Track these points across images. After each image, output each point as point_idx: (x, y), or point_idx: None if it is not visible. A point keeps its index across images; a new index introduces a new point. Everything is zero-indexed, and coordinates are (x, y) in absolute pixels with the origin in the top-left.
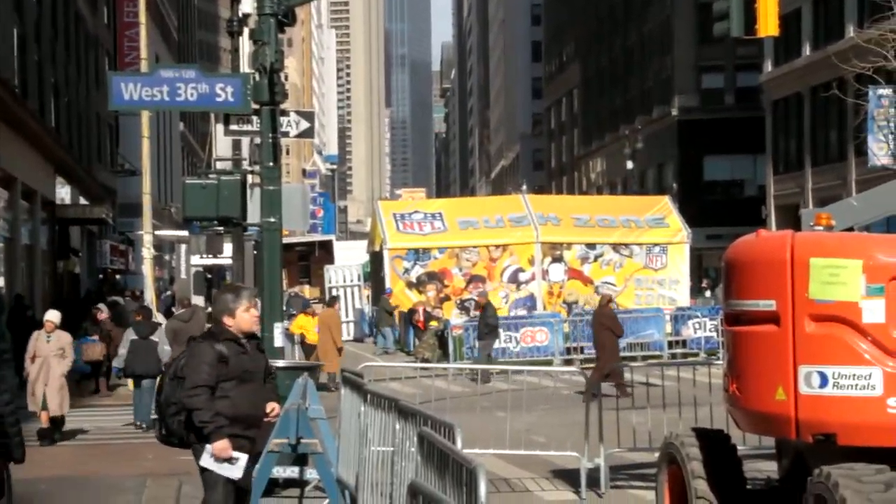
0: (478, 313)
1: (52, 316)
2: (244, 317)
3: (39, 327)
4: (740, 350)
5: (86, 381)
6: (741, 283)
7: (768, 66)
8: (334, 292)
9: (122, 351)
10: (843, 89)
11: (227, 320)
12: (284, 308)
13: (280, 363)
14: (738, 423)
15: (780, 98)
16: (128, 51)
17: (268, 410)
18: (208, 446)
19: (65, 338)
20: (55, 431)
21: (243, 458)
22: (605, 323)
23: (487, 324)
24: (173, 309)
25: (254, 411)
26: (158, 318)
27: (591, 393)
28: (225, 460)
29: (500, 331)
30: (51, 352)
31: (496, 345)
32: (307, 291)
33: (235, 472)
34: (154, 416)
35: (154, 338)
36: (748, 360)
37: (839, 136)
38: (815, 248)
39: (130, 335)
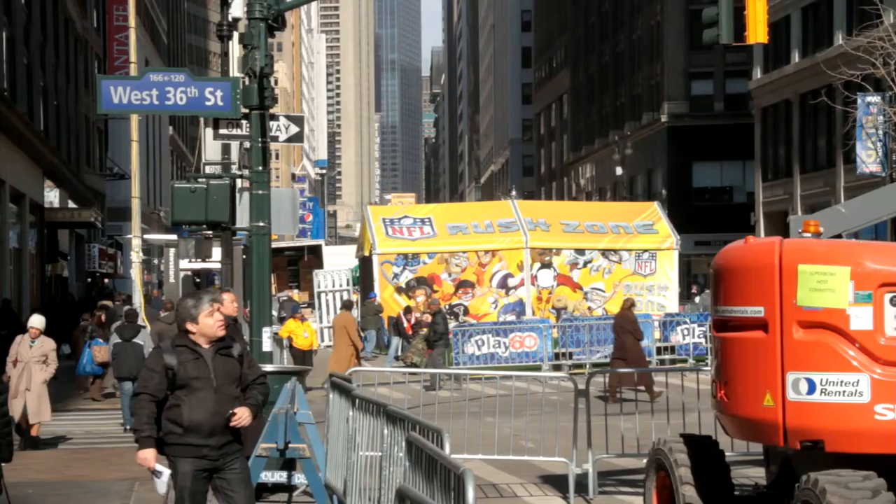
0: (465, 320)
1: (37, 322)
2: (207, 322)
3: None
4: (728, 356)
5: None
6: (730, 289)
7: (757, 73)
8: (324, 296)
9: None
10: (831, 96)
11: (190, 327)
12: (276, 313)
13: (268, 367)
14: (726, 429)
15: (768, 105)
16: (117, 54)
17: (235, 418)
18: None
19: (48, 344)
20: (31, 441)
21: (166, 473)
22: (626, 327)
23: (436, 331)
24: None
25: (213, 419)
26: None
27: (615, 395)
28: (152, 473)
29: (490, 336)
30: (32, 357)
31: (480, 349)
32: (296, 296)
33: (159, 486)
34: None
35: (138, 340)
36: (736, 366)
37: (828, 144)
38: (804, 254)
39: (114, 339)
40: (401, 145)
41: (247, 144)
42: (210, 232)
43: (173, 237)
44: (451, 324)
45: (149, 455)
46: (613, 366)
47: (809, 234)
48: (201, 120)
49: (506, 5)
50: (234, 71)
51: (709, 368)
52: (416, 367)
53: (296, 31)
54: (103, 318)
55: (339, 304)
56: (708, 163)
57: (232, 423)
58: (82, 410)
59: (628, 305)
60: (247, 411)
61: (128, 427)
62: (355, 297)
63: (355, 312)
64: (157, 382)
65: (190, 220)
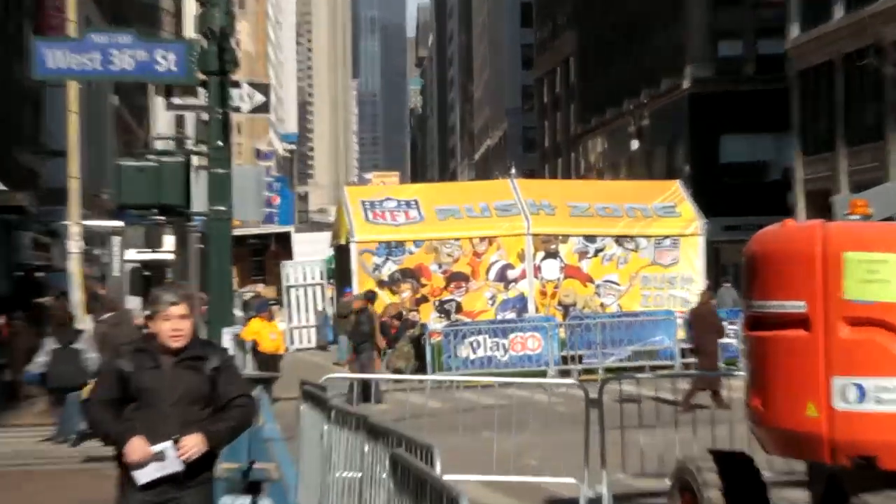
0: (453, 320)
1: None
2: (159, 327)
3: None
4: (764, 359)
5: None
6: (765, 281)
7: (794, 31)
8: (293, 291)
9: (41, 359)
10: (880, 57)
11: (151, 326)
12: (240, 312)
13: None
14: (762, 444)
15: (807, 68)
16: (53, 12)
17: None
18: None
19: None
20: None
21: (168, 448)
22: (708, 320)
23: (361, 332)
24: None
25: (161, 442)
26: (87, 321)
27: (690, 403)
28: (150, 461)
29: (487, 337)
30: None
31: (476, 352)
32: (264, 291)
33: (172, 465)
34: (84, 430)
35: (78, 345)
36: (773, 370)
37: (876, 112)
38: (851, 240)
39: (51, 343)
40: (382, 116)
41: (204, 116)
42: (162, 217)
43: (119, 224)
44: (442, 323)
45: (138, 442)
46: (699, 367)
47: (857, 217)
48: (151, 88)
49: None
50: (190, 31)
51: (741, 373)
52: (400, 373)
53: None
54: (70, 318)
55: (312, 301)
56: (738, 135)
57: (178, 454)
58: (13, 427)
59: (707, 298)
60: (195, 439)
61: (65, 440)
62: (329, 293)
63: (331, 310)
64: (109, 389)
65: (138, 203)
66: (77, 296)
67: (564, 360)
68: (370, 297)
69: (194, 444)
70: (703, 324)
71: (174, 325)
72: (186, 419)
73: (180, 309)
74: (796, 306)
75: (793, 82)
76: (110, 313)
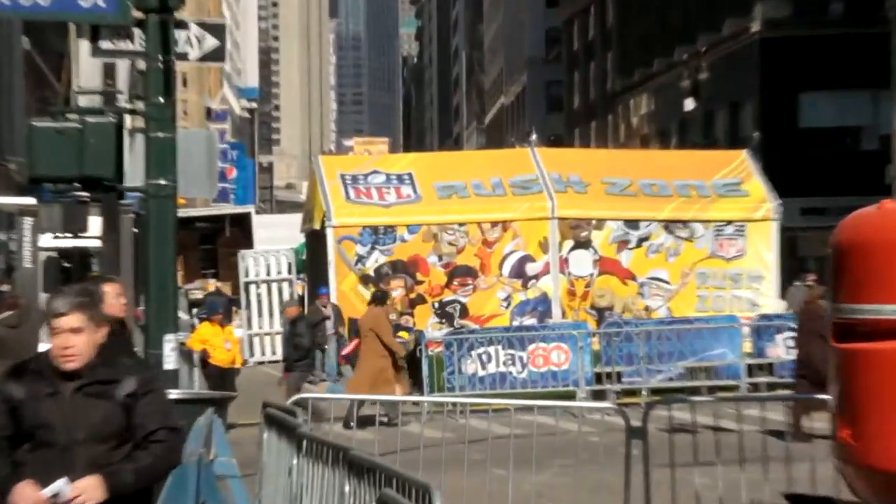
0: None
1: None
2: (53, 343)
3: None
4: (856, 379)
5: None
6: (857, 279)
7: None
8: (253, 288)
9: None
10: None
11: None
12: (185, 314)
13: (172, 394)
14: (852, 487)
15: None
16: None
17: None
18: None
19: None
20: None
21: (61, 486)
22: (814, 326)
23: (298, 345)
24: None
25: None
26: None
27: (802, 432)
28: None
29: (501, 349)
30: None
31: (486, 367)
32: (212, 288)
33: None
34: None
35: None
36: (867, 393)
37: None
38: None
39: None
40: (367, 67)
41: (141, 65)
42: (86, 194)
43: (31, 201)
44: (443, 330)
45: (26, 489)
46: (798, 385)
47: None
48: (72, 29)
49: None
50: None
51: (826, 396)
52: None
53: None
54: None
55: (274, 301)
56: (821, 92)
57: (68, 499)
58: None
59: (814, 296)
60: (90, 483)
61: None
62: (300, 291)
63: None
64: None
65: (56, 175)
66: None
67: (598, 378)
68: (380, 297)
69: (86, 488)
70: (808, 329)
71: (63, 341)
72: (94, 461)
73: (71, 320)
74: None
75: (893, 25)
76: (9, 311)
